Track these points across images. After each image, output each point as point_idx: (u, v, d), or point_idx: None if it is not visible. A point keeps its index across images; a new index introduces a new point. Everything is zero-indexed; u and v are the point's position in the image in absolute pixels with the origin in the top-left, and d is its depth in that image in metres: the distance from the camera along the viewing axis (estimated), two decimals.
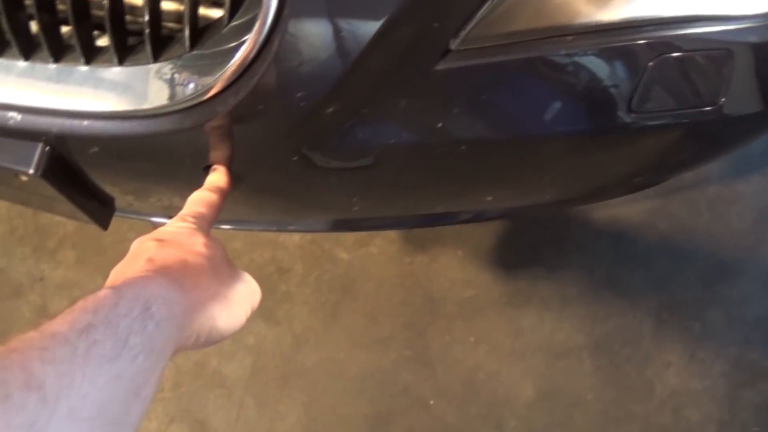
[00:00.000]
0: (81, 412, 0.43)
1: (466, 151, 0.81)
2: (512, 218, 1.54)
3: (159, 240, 0.64)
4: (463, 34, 0.71)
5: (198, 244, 0.65)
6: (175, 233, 0.67)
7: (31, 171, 0.82)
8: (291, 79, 0.69)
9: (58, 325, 0.46)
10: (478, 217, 1.19)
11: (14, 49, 0.78)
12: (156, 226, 0.74)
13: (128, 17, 0.75)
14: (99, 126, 0.76)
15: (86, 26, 0.76)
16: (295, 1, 0.65)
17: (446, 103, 0.76)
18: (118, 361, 0.46)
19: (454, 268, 1.57)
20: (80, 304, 0.49)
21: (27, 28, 0.78)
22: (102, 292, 0.51)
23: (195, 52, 0.71)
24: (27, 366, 0.42)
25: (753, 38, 0.78)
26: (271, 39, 0.66)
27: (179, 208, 0.75)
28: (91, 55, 0.77)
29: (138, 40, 0.76)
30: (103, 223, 1.03)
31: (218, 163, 0.81)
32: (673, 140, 0.87)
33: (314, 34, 0.67)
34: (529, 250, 1.60)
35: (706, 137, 0.91)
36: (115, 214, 1.02)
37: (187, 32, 0.70)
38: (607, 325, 1.55)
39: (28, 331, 0.45)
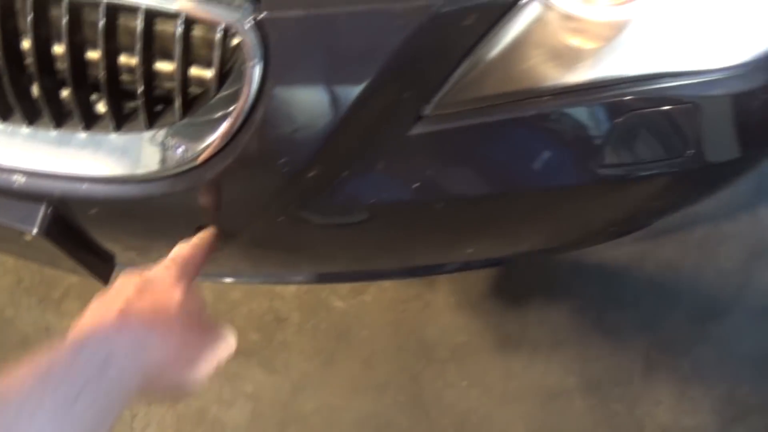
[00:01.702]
0: None
1: (443, 208, 0.86)
2: (500, 265, 1.58)
3: (139, 286, 0.68)
4: (434, 100, 0.76)
5: (176, 294, 0.69)
6: (156, 280, 0.70)
7: (34, 231, 0.87)
8: (274, 146, 0.74)
9: (19, 375, 0.50)
10: (463, 267, 1.24)
11: (18, 115, 0.83)
12: None
13: (124, 77, 0.80)
14: (97, 189, 0.82)
15: (85, 91, 0.81)
16: (277, 75, 0.70)
17: (422, 165, 0.81)
18: (75, 405, 0.50)
19: (447, 313, 1.61)
20: (43, 353, 0.53)
21: (29, 94, 0.83)
22: (66, 342, 0.55)
23: (186, 121, 0.77)
24: None
25: (716, 91, 0.82)
26: (255, 109, 0.72)
27: None
28: (90, 121, 0.82)
29: (135, 104, 0.81)
30: (104, 278, 1.08)
31: (210, 222, 0.86)
32: (647, 191, 0.92)
33: (295, 104, 0.72)
34: (519, 294, 1.64)
35: (679, 186, 0.96)
36: (119, 268, 1.07)
37: (177, 104, 0.76)
38: (597, 365, 1.58)
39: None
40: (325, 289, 1.62)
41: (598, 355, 1.59)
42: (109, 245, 1.01)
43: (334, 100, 0.71)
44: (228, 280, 1.28)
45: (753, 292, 1.65)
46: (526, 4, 0.73)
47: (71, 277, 1.67)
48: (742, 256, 1.67)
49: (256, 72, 0.70)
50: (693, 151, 0.85)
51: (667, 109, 0.82)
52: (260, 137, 0.73)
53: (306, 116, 0.72)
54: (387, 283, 1.62)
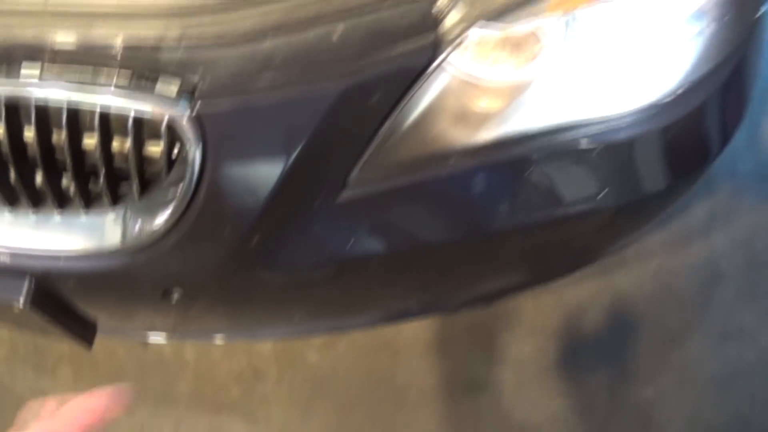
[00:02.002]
0: None
1: (378, 264, 0.97)
2: (452, 311, 1.68)
3: None
4: (357, 168, 0.88)
5: None
6: None
7: (21, 302, 0.98)
8: (218, 219, 0.86)
9: None
10: (424, 311, 1.34)
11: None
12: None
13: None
14: (72, 264, 0.93)
15: (57, 176, 0.92)
16: (214, 157, 0.82)
17: (352, 227, 0.93)
18: None
19: (416, 359, 1.70)
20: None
21: (8, 181, 0.94)
22: None
23: (143, 201, 0.89)
24: None
25: (620, 135, 0.93)
26: (199, 188, 0.84)
27: (162, 327, 0.90)
28: (62, 203, 0.93)
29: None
30: (87, 343, 1.18)
31: (178, 286, 0.98)
32: (571, 230, 1.03)
33: (232, 181, 0.84)
34: (484, 337, 1.73)
35: (601, 223, 1.07)
36: (106, 334, 1.17)
37: (135, 186, 0.88)
38: (562, 400, 1.66)
39: None
40: (301, 344, 1.72)
41: (563, 390, 1.68)
42: (92, 313, 1.12)
43: (265, 176, 0.83)
44: (212, 338, 1.39)
45: (711, 317, 1.73)
46: (433, 73, 0.84)
47: (63, 344, 1.77)
48: (698, 283, 1.76)
49: (197, 156, 0.82)
50: (606, 190, 0.96)
51: (574, 156, 0.93)
52: (204, 212, 0.85)
53: (243, 191, 0.84)
54: (358, 334, 1.72)
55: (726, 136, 1.05)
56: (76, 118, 0.85)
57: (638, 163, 0.98)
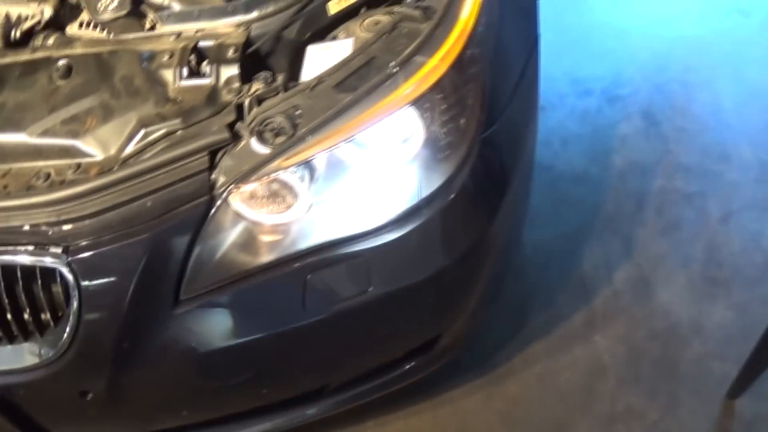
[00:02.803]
0: None
1: (218, 361, 1.36)
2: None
3: None
4: (182, 290, 1.29)
5: None
6: None
7: None
8: (97, 334, 1.26)
9: None
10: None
11: None
12: None
13: None
14: (8, 380, 1.35)
15: None
16: (86, 295, 1.25)
17: (193, 332, 1.33)
18: None
19: None
20: None
21: None
22: None
23: (46, 337, 1.30)
24: None
25: (375, 243, 1.33)
26: (80, 321, 1.26)
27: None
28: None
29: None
30: None
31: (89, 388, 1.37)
32: (349, 324, 1.40)
33: (99, 309, 1.26)
34: None
35: (373, 317, 1.41)
36: None
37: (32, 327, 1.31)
38: None
39: None
40: None
41: None
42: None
43: (117, 301, 1.25)
44: None
45: (598, 404, 1.96)
46: (214, 219, 1.25)
47: None
48: (582, 377, 2.00)
49: (75, 295, 1.24)
50: (371, 288, 1.35)
51: (345, 263, 1.33)
52: (85, 338, 1.26)
53: (107, 316, 1.25)
54: None
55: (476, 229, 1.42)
56: None
57: (395, 260, 1.37)
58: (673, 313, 2.17)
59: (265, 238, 1.30)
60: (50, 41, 1.46)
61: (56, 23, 1.51)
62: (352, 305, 1.36)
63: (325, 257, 1.32)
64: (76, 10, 1.51)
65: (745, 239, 2.37)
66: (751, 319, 2.04)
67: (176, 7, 1.46)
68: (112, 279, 1.25)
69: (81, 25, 1.49)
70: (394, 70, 1.24)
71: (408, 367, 1.61)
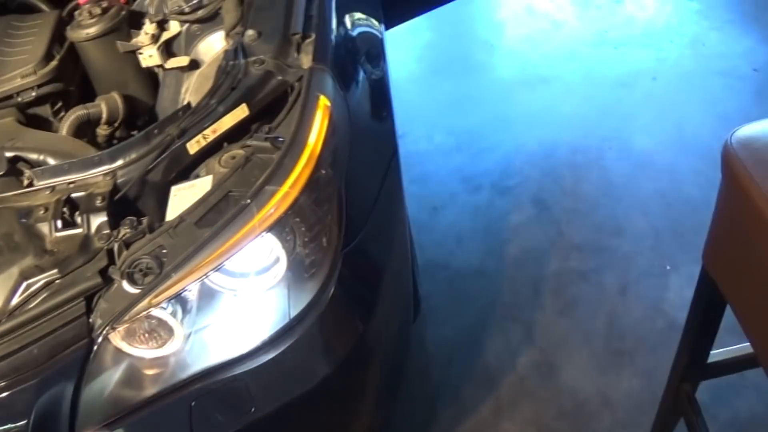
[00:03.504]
0: None
1: None
2: None
3: None
4: (77, 427, 1.32)
5: None
6: None
7: None
8: None
9: None
10: None
11: None
12: None
13: None
14: None
15: None
16: None
17: None
18: None
19: None
20: None
21: None
22: None
23: None
24: None
25: (252, 365, 1.39)
26: None
27: None
28: None
29: None
30: None
31: None
32: None
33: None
34: None
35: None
36: None
37: None
38: None
39: None
40: None
41: None
42: None
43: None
44: None
45: None
46: (103, 356, 1.32)
47: None
48: None
49: None
50: (254, 407, 1.41)
51: (226, 387, 1.39)
52: None
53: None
54: None
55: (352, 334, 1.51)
56: None
57: (273, 379, 1.44)
58: (580, 389, 2.25)
59: (149, 372, 1.37)
60: None
61: None
62: (238, 427, 1.41)
63: (205, 384, 1.38)
64: None
65: (645, 307, 2.48)
66: (659, 383, 2.09)
67: (50, 161, 1.55)
68: (7, 426, 1.28)
69: None
70: (247, 201, 1.33)
71: None
